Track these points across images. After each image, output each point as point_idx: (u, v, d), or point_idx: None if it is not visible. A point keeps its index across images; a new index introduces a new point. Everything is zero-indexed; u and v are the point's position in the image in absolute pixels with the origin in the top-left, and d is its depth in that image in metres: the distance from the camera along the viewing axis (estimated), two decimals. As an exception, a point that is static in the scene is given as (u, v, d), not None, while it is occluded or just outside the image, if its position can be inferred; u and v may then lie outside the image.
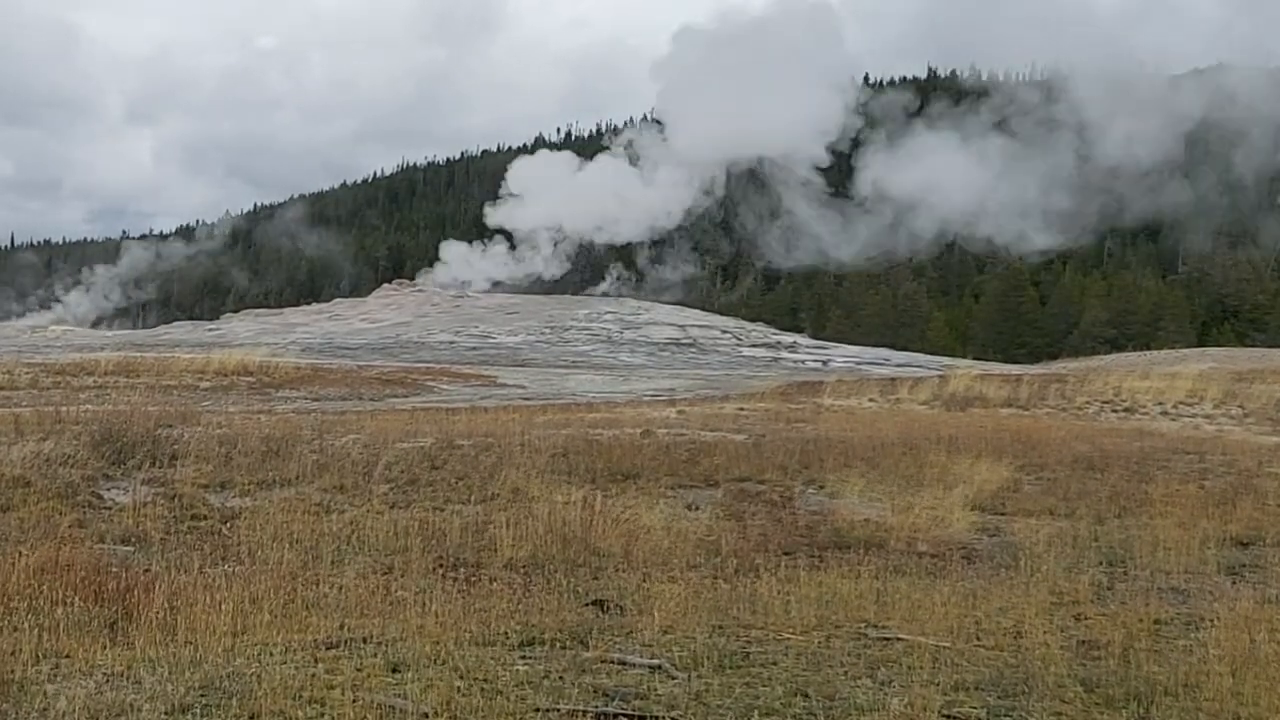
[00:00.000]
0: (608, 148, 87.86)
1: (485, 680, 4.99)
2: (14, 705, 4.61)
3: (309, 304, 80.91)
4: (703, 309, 71.24)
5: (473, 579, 7.69)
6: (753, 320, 63.35)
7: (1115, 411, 23.18)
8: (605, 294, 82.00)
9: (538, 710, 4.63)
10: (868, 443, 14.89)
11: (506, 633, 5.91)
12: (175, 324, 75.20)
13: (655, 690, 4.94)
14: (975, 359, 53.94)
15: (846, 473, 12.40)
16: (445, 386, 29.59)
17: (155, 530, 9.08)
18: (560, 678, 5.07)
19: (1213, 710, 4.84)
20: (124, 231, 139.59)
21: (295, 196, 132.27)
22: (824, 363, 47.22)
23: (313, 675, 5.03)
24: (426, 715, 4.55)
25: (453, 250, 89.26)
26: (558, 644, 5.67)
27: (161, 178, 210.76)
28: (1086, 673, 5.34)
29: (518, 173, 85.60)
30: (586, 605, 6.93)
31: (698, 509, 10.62)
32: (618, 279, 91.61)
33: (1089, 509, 10.75)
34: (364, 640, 5.66)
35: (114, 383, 26.18)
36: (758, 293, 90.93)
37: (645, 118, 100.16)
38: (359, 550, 8.52)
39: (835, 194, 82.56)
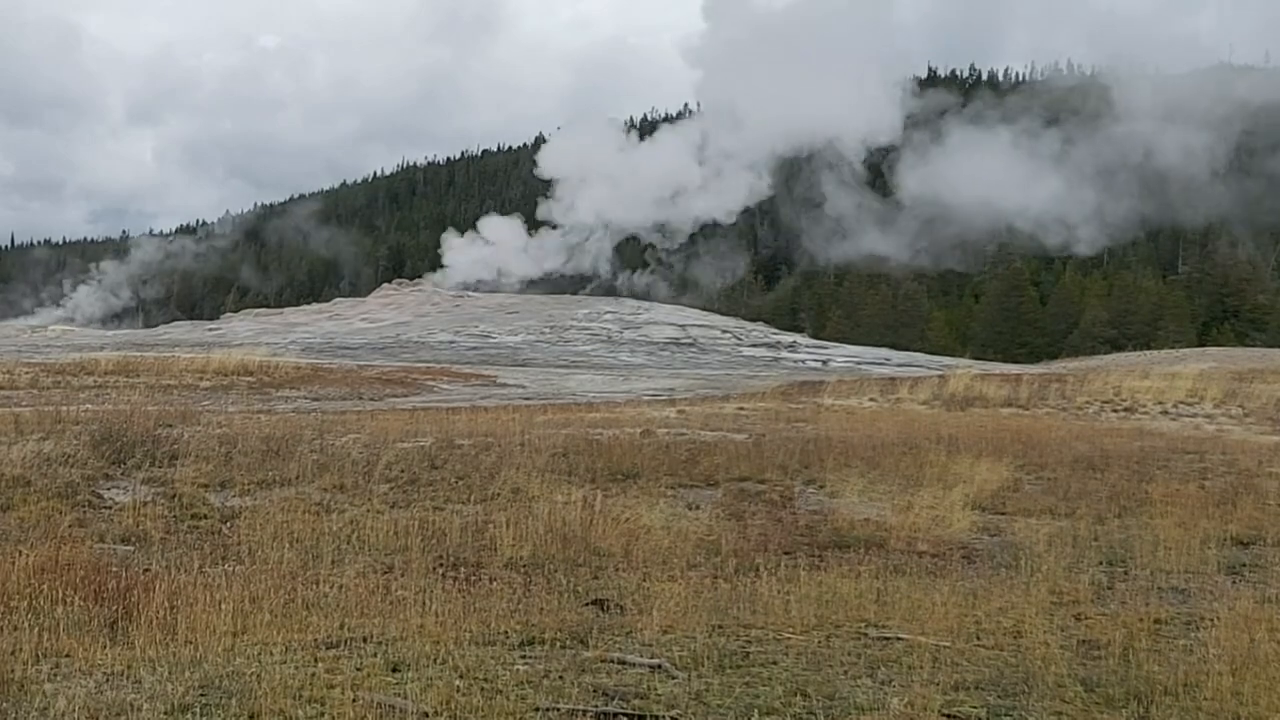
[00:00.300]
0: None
1: (485, 680, 4.99)
2: (14, 705, 4.61)
3: (309, 303, 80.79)
4: (743, 305, 69.89)
5: (473, 579, 7.69)
6: (753, 320, 63.30)
7: (1115, 411, 23.15)
8: (630, 293, 79.59)
9: (538, 710, 4.63)
10: (868, 442, 14.89)
11: (506, 632, 5.91)
12: (175, 324, 75.14)
13: (655, 690, 4.94)
14: (975, 359, 53.87)
15: (846, 472, 12.39)
16: (445, 386, 29.58)
17: (155, 530, 9.08)
18: (560, 677, 5.07)
19: (1213, 710, 4.84)
20: (124, 231, 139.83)
21: (306, 194, 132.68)
22: (824, 362, 47.20)
23: (313, 675, 5.03)
24: (426, 715, 4.55)
25: (493, 226, 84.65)
26: (558, 643, 5.67)
27: (163, 178, 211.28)
28: (1086, 672, 5.34)
29: (560, 152, 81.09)
30: (586, 605, 6.93)
31: (698, 509, 10.62)
32: (651, 271, 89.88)
33: (1089, 509, 10.75)
34: (364, 640, 5.67)
35: (114, 382, 26.18)
36: (802, 291, 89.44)
37: (686, 107, 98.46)
38: (359, 550, 8.52)
39: (878, 191, 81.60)
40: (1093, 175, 76.05)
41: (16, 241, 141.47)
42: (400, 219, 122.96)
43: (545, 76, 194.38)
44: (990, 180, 73.80)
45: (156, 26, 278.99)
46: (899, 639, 5.88)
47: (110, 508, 10.09)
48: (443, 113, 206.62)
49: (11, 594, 6.34)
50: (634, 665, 5.29)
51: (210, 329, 64.00)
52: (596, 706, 4.67)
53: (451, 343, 50.50)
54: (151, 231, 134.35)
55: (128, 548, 8.55)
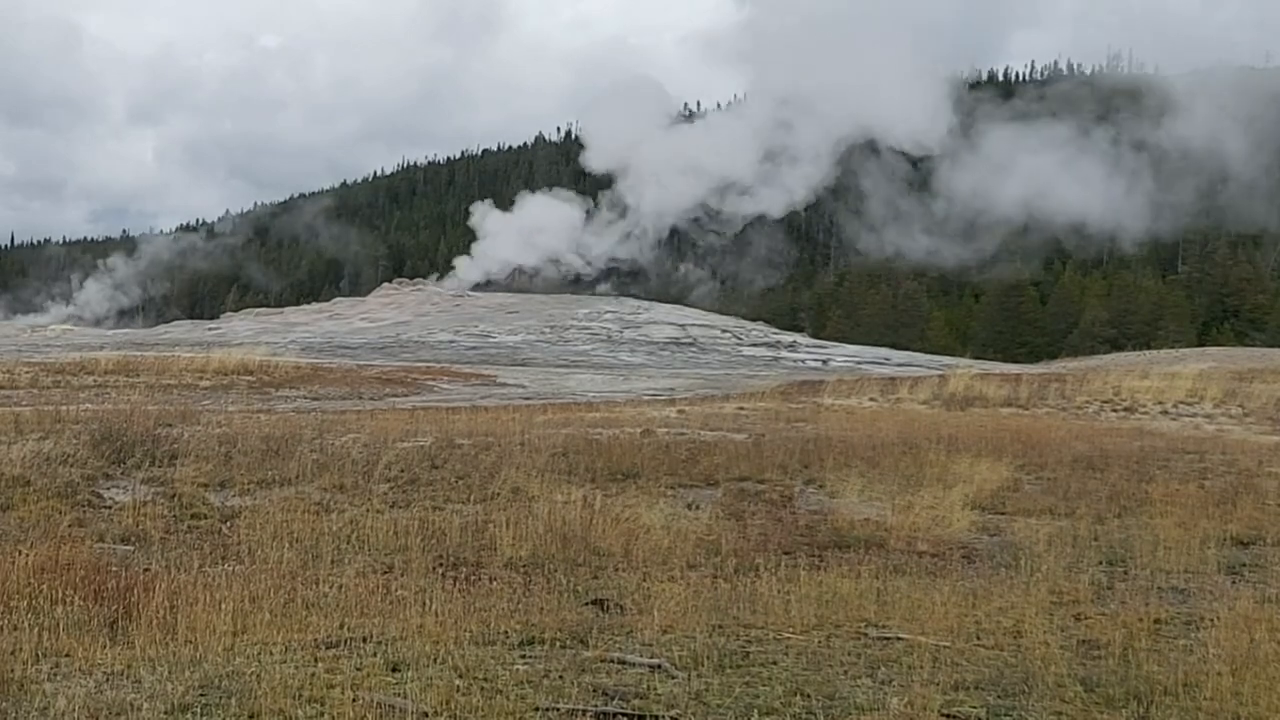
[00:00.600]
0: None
1: (485, 679, 4.99)
2: (14, 704, 4.61)
3: (309, 303, 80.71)
4: (781, 303, 68.65)
5: (473, 578, 7.69)
6: (753, 320, 63.28)
7: (1115, 411, 23.16)
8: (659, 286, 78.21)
9: (538, 709, 4.63)
10: (868, 442, 14.89)
11: (506, 632, 5.91)
12: (175, 323, 75.13)
13: (655, 690, 4.94)
14: (975, 358, 53.85)
15: (846, 472, 12.39)
16: (445, 385, 29.59)
17: (155, 529, 9.08)
18: (560, 677, 5.07)
19: (1213, 710, 4.84)
20: (124, 231, 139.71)
21: (315, 192, 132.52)
22: (824, 362, 47.19)
23: (312, 674, 5.03)
24: (426, 714, 4.55)
25: (534, 202, 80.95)
26: (558, 643, 5.67)
27: (164, 177, 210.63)
28: (1086, 672, 5.34)
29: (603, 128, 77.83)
30: (586, 604, 6.93)
31: (698, 508, 10.62)
32: (694, 265, 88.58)
33: (1089, 508, 10.75)
34: (364, 639, 5.67)
35: (114, 382, 26.18)
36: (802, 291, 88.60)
37: (686, 107, 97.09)
38: (359, 550, 8.52)
39: (921, 190, 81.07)
40: (1141, 174, 74.98)
41: (17, 241, 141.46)
42: (400, 219, 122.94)
43: (546, 76, 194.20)
44: (1038, 180, 72.93)
45: (157, 26, 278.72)
46: (899, 639, 5.88)
47: (110, 507, 10.09)
48: (443, 112, 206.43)
49: (11, 594, 6.33)
50: (634, 665, 5.29)
51: (210, 328, 64.02)
52: (596, 706, 4.67)
53: (451, 342, 50.49)
54: (152, 231, 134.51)
55: (127, 547, 8.55)
